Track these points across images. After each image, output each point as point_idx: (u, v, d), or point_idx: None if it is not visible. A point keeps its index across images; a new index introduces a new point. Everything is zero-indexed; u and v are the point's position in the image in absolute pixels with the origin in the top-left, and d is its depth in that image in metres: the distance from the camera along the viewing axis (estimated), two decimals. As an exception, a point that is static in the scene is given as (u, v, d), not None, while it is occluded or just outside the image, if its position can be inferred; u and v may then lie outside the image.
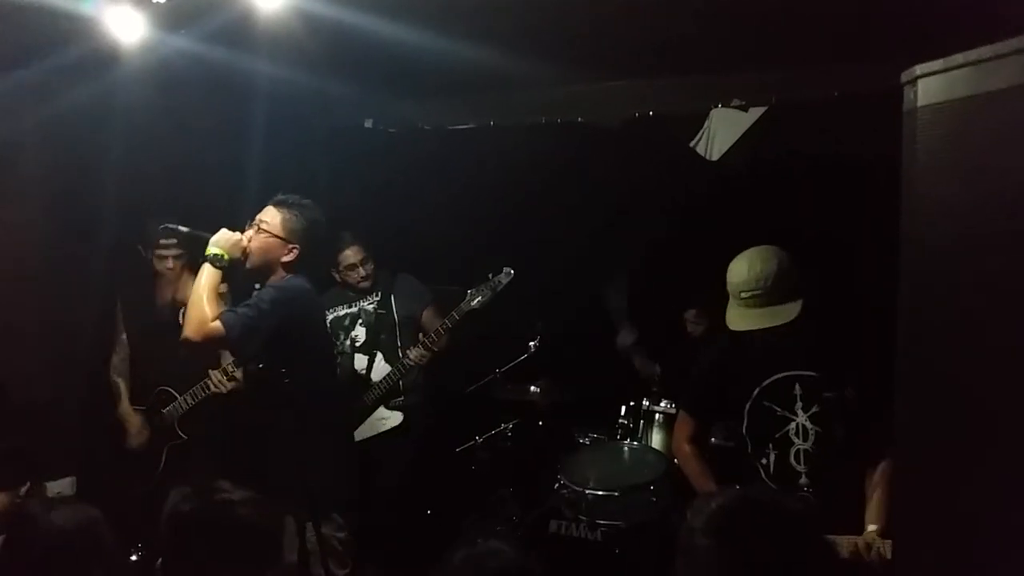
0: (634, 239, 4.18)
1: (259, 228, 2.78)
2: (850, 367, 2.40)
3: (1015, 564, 1.28)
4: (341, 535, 2.90)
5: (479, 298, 3.66)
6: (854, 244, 3.43)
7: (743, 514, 1.44)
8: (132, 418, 3.60)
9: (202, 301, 2.62)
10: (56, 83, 3.16)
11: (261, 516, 1.60)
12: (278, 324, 2.67)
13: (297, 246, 2.79)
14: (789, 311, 2.35)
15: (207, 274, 2.68)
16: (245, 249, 2.75)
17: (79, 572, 1.76)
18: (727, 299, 2.50)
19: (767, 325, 2.37)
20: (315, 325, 2.97)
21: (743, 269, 2.41)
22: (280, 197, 2.85)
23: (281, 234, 2.77)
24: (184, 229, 2.90)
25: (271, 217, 2.80)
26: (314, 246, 2.88)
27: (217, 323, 2.59)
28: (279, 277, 2.80)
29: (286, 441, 2.72)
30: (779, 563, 1.38)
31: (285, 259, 2.79)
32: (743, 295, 2.40)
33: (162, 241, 3.53)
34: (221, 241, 2.72)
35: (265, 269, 2.80)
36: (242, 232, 2.78)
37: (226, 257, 2.71)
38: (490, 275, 3.68)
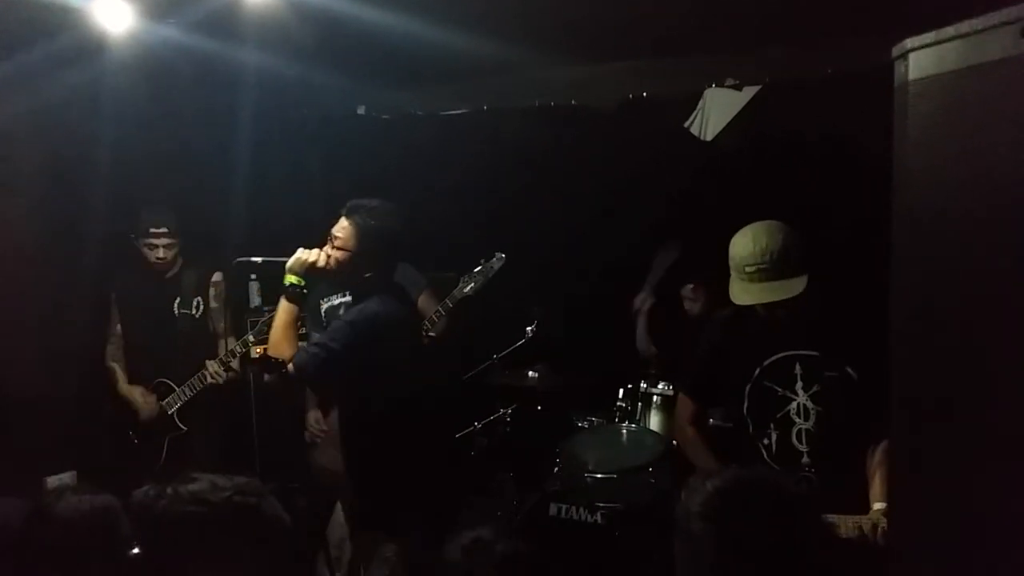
0: (629, 220, 4.17)
1: (334, 244, 2.63)
2: (850, 346, 2.38)
3: (1012, 548, 1.28)
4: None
5: (472, 284, 3.65)
6: (851, 222, 3.42)
7: (738, 495, 1.44)
8: (134, 394, 3.58)
9: (281, 343, 2.55)
10: (44, 73, 3.13)
11: (218, 509, 1.53)
12: (351, 358, 2.57)
13: (378, 256, 2.64)
14: (794, 285, 2.32)
15: (282, 310, 2.58)
16: (325, 267, 2.63)
17: (95, 560, 1.75)
18: (728, 276, 2.48)
19: (772, 299, 2.34)
20: (386, 351, 2.67)
21: (747, 243, 2.38)
22: (352, 203, 2.65)
23: (356, 247, 2.61)
24: (258, 260, 2.77)
25: (343, 230, 2.63)
26: (395, 250, 2.72)
27: (290, 367, 2.53)
28: (364, 291, 2.67)
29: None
30: (775, 544, 1.38)
31: (368, 273, 2.66)
32: (747, 269, 2.37)
33: (152, 230, 3.51)
34: (296, 267, 2.60)
35: (351, 283, 2.71)
36: (319, 248, 2.65)
37: (303, 284, 2.60)
38: (482, 260, 3.67)
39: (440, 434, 3.12)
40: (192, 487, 1.54)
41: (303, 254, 2.61)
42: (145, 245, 3.54)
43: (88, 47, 2.89)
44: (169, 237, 3.53)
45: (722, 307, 2.58)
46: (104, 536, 1.79)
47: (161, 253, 3.54)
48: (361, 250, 2.60)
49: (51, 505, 1.82)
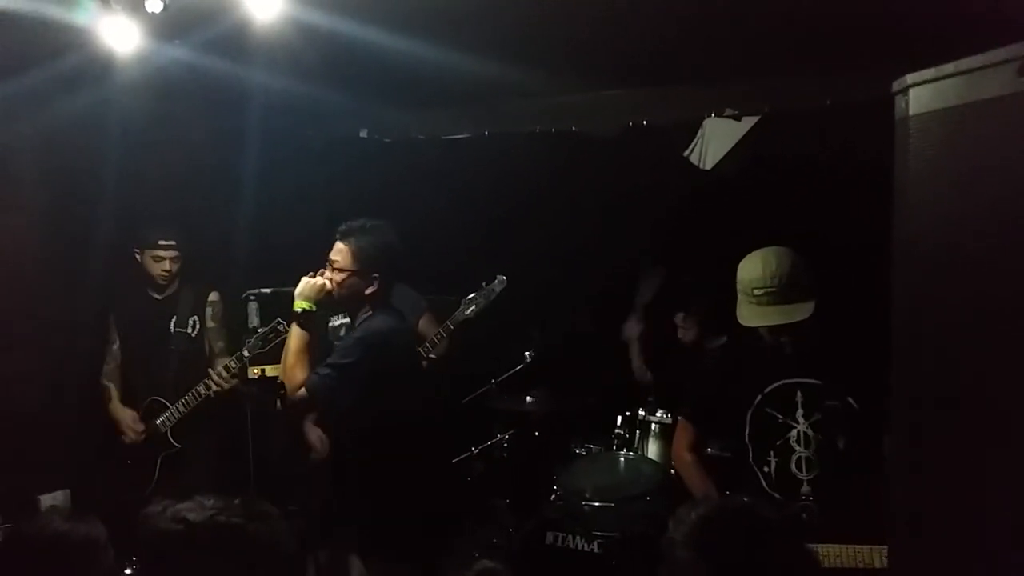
0: (628, 247, 4.19)
1: (333, 267, 2.67)
2: (852, 376, 2.39)
3: (1012, 569, 1.28)
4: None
5: (473, 307, 3.65)
6: (850, 251, 3.43)
7: (721, 524, 1.44)
8: (123, 414, 3.57)
9: (293, 368, 2.59)
10: (52, 93, 3.16)
11: (221, 536, 1.53)
12: (364, 375, 2.60)
13: (378, 274, 2.68)
14: (803, 310, 2.33)
15: (295, 337, 2.62)
16: (331, 291, 2.66)
17: None
18: (731, 301, 2.49)
19: (781, 322, 2.35)
20: (396, 366, 2.74)
21: (757, 266, 2.39)
22: (344, 227, 2.71)
23: (355, 267, 2.65)
24: (267, 290, 2.82)
25: (340, 253, 2.68)
26: (396, 268, 2.76)
27: (303, 390, 2.56)
28: (366, 311, 2.72)
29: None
30: (757, 573, 1.37)
31: (369, 291, 2.68)
32: (756, 292, 2.37)
33: (160, 242, 3.52)
34: (306, 292, 2.64)
35: (354, 304, 2.72)
36: (319, 274, 2.69)
37: (314, 309, 2.65)
38: (483, 283, 3.68)
39: (436, 453, 3.15)
40: (212, 504, 1.54)
41: (310, 280, 2.65)
42: (151, 257, 3.54)
43: (95, 67, 2.91)
44: (176, 250, 3.55)
45: (717, 335, 2.59)
46: (85, 565, 1.77)
47: (167, 266, 3.55)
48: (360, 269, 2.65)
49: (36, 530, 1.82)
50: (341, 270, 2.65)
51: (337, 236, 2.70)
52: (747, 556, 1.37)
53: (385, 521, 2.67)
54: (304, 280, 2.65)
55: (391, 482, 2.68)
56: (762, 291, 2.36)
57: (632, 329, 4.25)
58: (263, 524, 1.55)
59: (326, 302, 2.67)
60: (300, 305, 2.63)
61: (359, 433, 2.70)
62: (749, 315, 2.41)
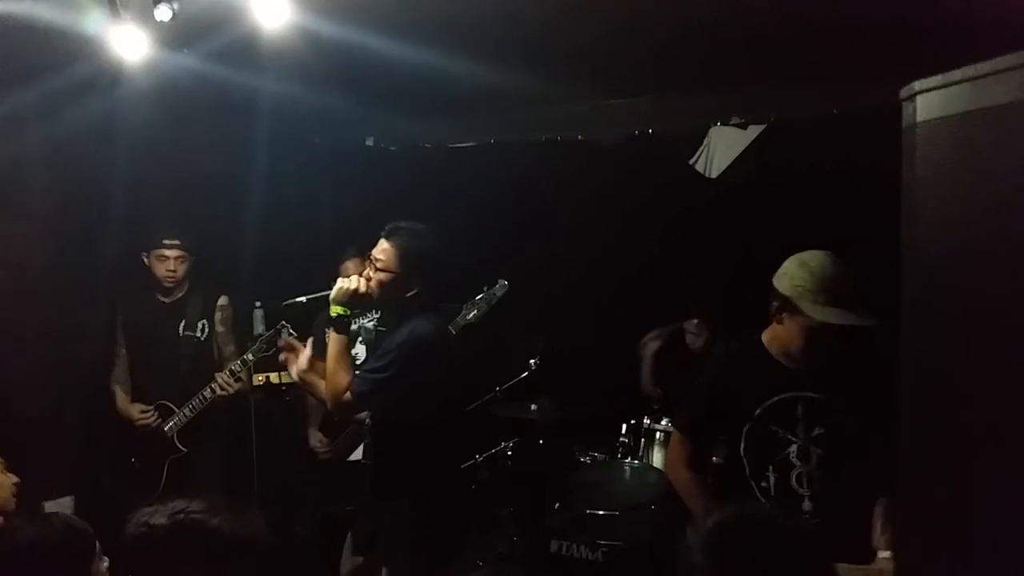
0: (634, 255, 4.19)
1: (376, 267, 2.64)
2: (855, 390, 2.33)
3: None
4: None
5: (475, 311, 3.66)
6: (857, 262, 3.42)
7: (742, 532, 1.43)
8: (133, 411, 3.56)
9: (335, 374, 2.60)
10: (61, 101, 3.18)
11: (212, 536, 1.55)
12: (408, 379, 2.59)
13: (421, 277, 2.65)
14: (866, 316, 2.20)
15: (333, 342, 2.62)
16: (366, 292, 2.63)
17: None
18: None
19: (860, 323, 2.19)
20: (436, 371, 2.69)
21: (827, 264, 2.27)
22: (390, 227, 2.67)
23: (400, 268, 2.62)
24: (303, 299, 2.80)
25: (384, 252, 2.64)
26: (435, 271, 2.72)
27: (348, 395, 2.58)
28: (407, 312, 2.66)
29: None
30: None
31: (410, 294, 2.65)
32: (830, 289, 2.22)
33: (165, 241, 3.52)
34: (340, 297, 2.62)
35: (391, 305, 2.70)
36: (359, 274, 2.68)
37: (350, 314, 2.65)
38: (485, 288, 3.68)
39: (457, 453, 3.21)
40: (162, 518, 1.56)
41: (344, 283, 2.64)
42: (157, 257, 3.53)
43: (104, 75, 2.93)
44: (181, 250, 3.54)
45: (724, 342, 2.56)
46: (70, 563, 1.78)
47: (172, 266, 3.53)
48: (403, 270, 2.63)
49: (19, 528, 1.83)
50: (385, 270, 2.63)
51: (383, 235, 2.67)
52: (765, 562, 1.37)
53: (421, 527, 2.69)
54: (339, 285, 2.63)
55: (427, 487, 2.69)
56: (838, 288, 2.23)
57: (649, 347, 4.23)
58: (229, 518, 1.57)
59: (362, 303, 2.66)
60: (336, 310, 2.62)
61: (400, 437, 2.69)
62: (827, 314, 2.22)
